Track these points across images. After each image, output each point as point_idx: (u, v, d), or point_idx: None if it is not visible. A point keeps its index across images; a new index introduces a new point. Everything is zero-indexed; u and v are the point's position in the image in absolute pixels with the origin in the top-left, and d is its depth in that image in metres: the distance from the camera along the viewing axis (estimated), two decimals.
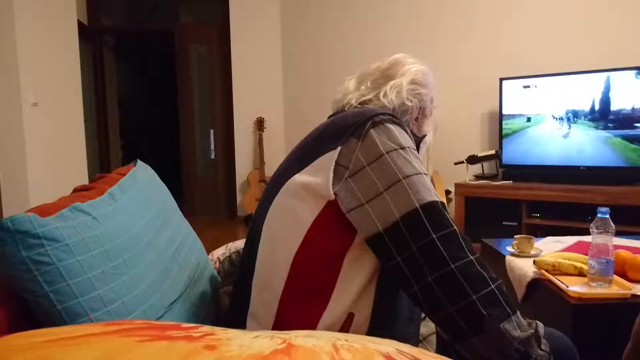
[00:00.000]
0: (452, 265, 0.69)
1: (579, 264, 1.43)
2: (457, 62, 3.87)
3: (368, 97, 0.93)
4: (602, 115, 3.04)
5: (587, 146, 3.09)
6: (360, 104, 0.93)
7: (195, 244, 1.08)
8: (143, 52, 6.86)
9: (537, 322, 0.73)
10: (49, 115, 3.63)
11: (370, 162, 0.74)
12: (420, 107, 0.95)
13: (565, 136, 3.13)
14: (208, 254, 1.18)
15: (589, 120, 3.08)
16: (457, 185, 3.42)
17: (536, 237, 1.81)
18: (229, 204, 5.00)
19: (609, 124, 3.02)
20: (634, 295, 1.26)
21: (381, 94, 0.92)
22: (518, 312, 0.71)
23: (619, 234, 1.53)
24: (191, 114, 5.13)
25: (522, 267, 1.56)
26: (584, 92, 3.09)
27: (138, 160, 1.08)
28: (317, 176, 0.75)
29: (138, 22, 5.69)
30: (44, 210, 0.74)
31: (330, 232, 0.75)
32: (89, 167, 4.30)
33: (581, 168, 3.11)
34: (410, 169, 0.73)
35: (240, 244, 1.17)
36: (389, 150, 0.74)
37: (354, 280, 0.75)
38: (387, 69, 0.96)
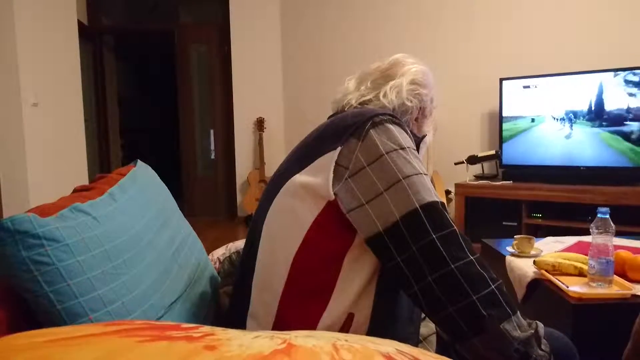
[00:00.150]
0: (452, 266, 0.69)
1: (579, 264, 1.43)
2: (457, 62, 3.87)
3: (368, 97, 0.93)
4: (602, 116, 3.04)
5: (587, 146, 3.09)
6: (360, 104, 0.93)
7: (195, 244, 1.08)
8: (143, 52, 6.86)
9: (537, 322, 0.73)
10: (49, 115, 3.63)
11: (370, 162, 0.74)
12: (420, 107, 0.95)
13: (568, 136, 3.13)
14: (208, 254, 1.18)
15: (589, 120, 3.08)
16: (457, 185, 3.42)
17: (536, 237, 1.81)
18: (229, 204, 5.00)
19: (609, 124, 3.02)
20: (634, 295, 1.26)
21: (381, 94, 0.92)
22: (518, 312, 0.71)
23: (619, 234, 1.53)
24: (191, 114, 5.13)
25: (522, 267, 1.56)
26: (584, 92, 3.09)
27: (138, 160, 1.08)
28: (317, 176, 0.75)
29: (138, 22, 5.69)
30: (44, 210, 0.74)
31: (330, 232, 0.75)
32: (89, 167, 4.30)
33: (581, 168, 3.11)
34: (410, 169, 0.73)
35: (240, 244, 1.17)
36: (389, 151, 0.74)
37: (354, 280, 0.75)
38: (387, 69, 0.96)
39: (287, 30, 4.61)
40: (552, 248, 1.74)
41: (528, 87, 3.30)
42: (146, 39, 6.44)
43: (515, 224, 3.20)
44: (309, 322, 0.75)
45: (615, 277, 1.32)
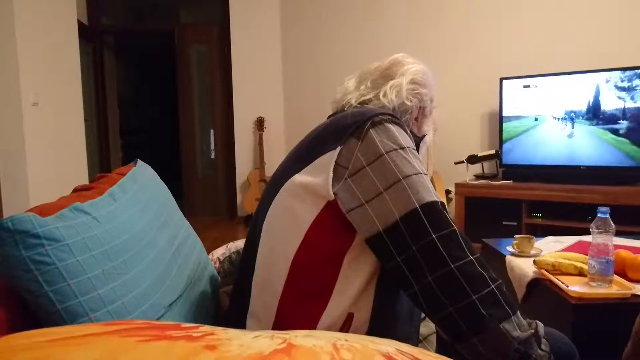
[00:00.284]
0: (452, 266, 0.69)
1: (579, 264, 1.43)
2: (457, 62, 3.87)
3: (368, 97, 0.93)
4: (602, 115, 3.04)
5: (587, 146, 3.09)
6: (360, 103, 0.93)
7: (195, 244, 1.08)
8: (143, 52, 6.86)
9: (537, 322, 0.73)
10: (49, 115, 3.63)
11: (370, 162, 0.74)
12: (420, 107, 0.95)
13: (570, 135, 3.13)
14: (208, 254, 1.18)
15: (588, 120, 3.08)
16: (457, 185, 3.42)
17: (536, 237, 1.81)
18: (229, 204, 5.00)
19: (609, 124, 3.02)
20: (634, 295, 1.26)
21: (381, 94, 0.92)
22: (518, 312, 0.71)
23: (619, 234, 1.53)
24: (191, 114, 5.13)
25: (522, 267, 1.56)
26: (584, 92, 3.09)
27: (138, 160, 1.08)
28: (317, 176, 0.75)
29: (138, 22, 5.70)
30: (44, 210, 0.74)
31: (330, 232, 0.75)
32: (89, 167, 4.30)
33: (581, 168, 3.11)
34: (410, 169, 0.73)
35: (240, 244, 1.17)
36: (389, 150, 0.74)
37: (354, 280, 0.75)
38: (386, 68, 0.95)
39: (287, 30, 4.61)
40: (552, 248, 1.74)
41: (528, 86, 3.30)
42: (146, 39, 6.44)
43: (515, 223, 3.20)
44: (309, 322, 0.75)
45: (615, 277, 1.32)
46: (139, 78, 7.03)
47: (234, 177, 4.87)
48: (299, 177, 0.77)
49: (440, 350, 0.96)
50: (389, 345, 0.50)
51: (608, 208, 1.23)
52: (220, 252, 1.20)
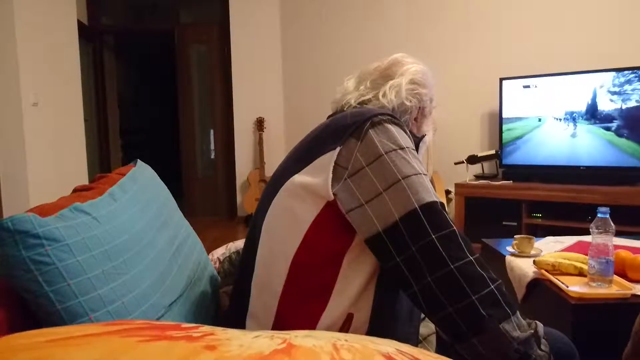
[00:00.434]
0: (452, 266, 0.69)
1: (579, 264, 1.43)
2: (457, 62, 3.87)
3: (367, 97, 0.93)
4: (603, 115, 3.04)
5: (589, 146, 3.09)
6: (359, 104, 0.93)
7: (195, 244, 1.08)
8: (143, 52, 6.86)
9: (537, 322, 0.73)
10: (49, 115, 3.63)
11: (370, 162, 0.74)
12: (419, 107, 0.95)
13: (573, 135, 3.12)
14: (208, 254, 1.18)
15: (589, 120, 3.08)
16: (457, 185, 3.42)
17: (536, 237, 1.81)
18: (229, 204, 5.00)
19: (609, 124, 3.02)
20: (634, 295, 1.26)
21: (380, 94, 0.92)
22: (518, 312, 0.71)
23: (619, 234, 1.53)
24: (191, 114, 5.13)
25: (522, 267, 1.56)
26: (585, 92, 3.09)
27: (138, 160, 1.08)
28: (317, 176, 0.75)
29: (138, 22, 5.70)
30: (44, 210, 0.74)
31: (330, 232, 0.75)
32: (89, 167, 4.30)
33: (581, 168, 3.11)
34: (409, 169, 0.73)
35: (240, 244, 1.17)
36: (388, 151, 0.74)
37: (354, 280, 0.75)
38: (386, 68, 0.95)
39: (287, 29, 4.61)
40: (552, 248, 1.74)
41: (528, 86, 3.30)
42: (146, 39, 6.44)
43: (515, 224, 3.20)
44: (309, 322, 0.75)
45: (615, 277, 1.32)
46: (139, 78, 7.03)
47: (234, 177, 4.87)
48: (299, 178, 0.77)
49: (440, 350, 0.96)
50: (389, 346, 0.50)
51: (608, 208, 1.23)
52: (220, 252, 1.20)
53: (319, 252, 0.75)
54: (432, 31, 3.96)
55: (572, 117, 3.14)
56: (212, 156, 5.14)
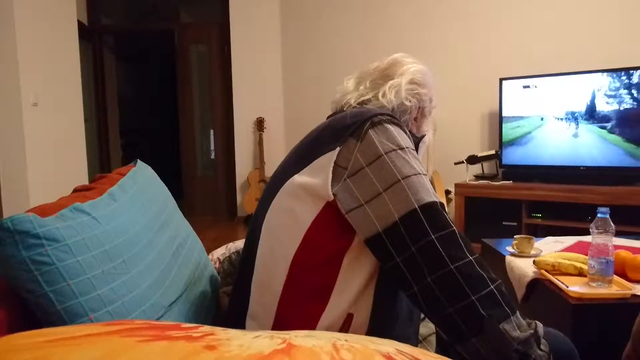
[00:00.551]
0: (452, 266, 0.69)
1: (579, 264, 1.43)
2: (457, 62, 3.87)
3: (367, 97, 0.93)
4: (602, 115, 3.04)
5: (587, 146, 3.09)
6: (359, 104, 0.93)
7: (195, 244, 1.08)
8: (143, 52, 6.86)
9: (537, 322, 0.73)
10: (49, 115, 3.63)
11: (369, 162, 0.74)
12: (419, 107, 0.95)
13: (575, 136, 3.12)
14: (208, 254, 1.18)
15: (588, 120, 3.08)
16: (457, 185, 3.42)
17: (536, 237, 1.81)
18: (229, 204, 5.00)
19: (609, 124, 3.02)
20: (634, 295, 1.26)
21: (380, 94, 0.92)
22: (518, 312, 0.71)
23: (619, 234, 1.53)
24: (191, 114, 5.13)
25: (522, 267, 1.56)
26: (585, 92, 3.09)
27: (138, 160, 1.08)
28: (316, 177, 0.75)
29: (138, 22, 5.70)
30: (44, 210, 0.74)
31: (330, 232, 0.75)
32: (89, 167, 4.30)
33: (581, 168, 3.11)
34: (409, 169, 0.73)
35: (240, 244, 1.17)
36: (388, 151, 0.74)
37: (353, 280, 0.75)
38: (385, 68, 0.95)
39: (287, 30, 4.62)
40: (552, 248, 1.74)
41: (528, 87, 3.30)
42: (146, 39, 6.44)
43: (515, 224, 3.20)
44: (309, 322, 0.75)
45: (615, 277, 1.32)
46: (139, 78, 7.03)
47: (234, 177, 4.87)
48: (299, 178, 0.77)
49: (440, 350, 0.96)
50: (389, 346, 0.50)
51: (608, 208, 1.23)
52: (220, 252, 1.20)
53: (318, 252, 0.75)
54: (432, 31, 3.96)
55: (572, 117, 3.14)
56: (212, 156, 5.14)
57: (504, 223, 3.23)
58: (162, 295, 0.83)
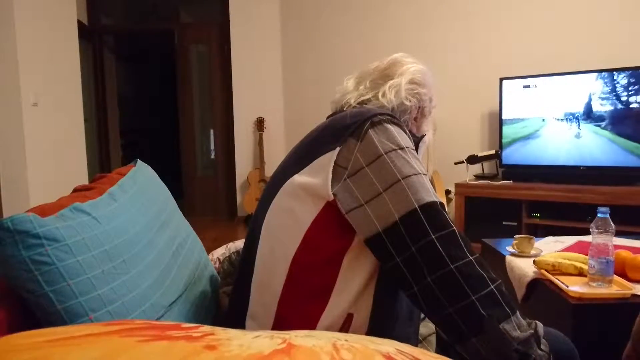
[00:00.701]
0: (452, 266, 0.69)
1: (579, 264, 1.43)
2: (457, 62, 3.87)
3: (367, 97, 0.93)
4: (601, 115, 3.04)
5: (586, 146, 3.09)
6: (359, 103, 0.92)
7: (195, 244, 1.08)
8: (143, 52, 6.86)
9: (537, 322, 0.73)
10: (49, 115, 3.63)
11: (369, 162, 0.74)
12: (419, 107, 0.95)
13: (577, 136, 3.12)
14: (208, 254, 1.18)
15: (588, 119, 3.08)
16: (457, 185, 3.42)
17: (536, 237, 1.81)
18: (229, 204, 5.00)
19: (608, 124, 3.02)
20: (634, 295, 1.26)
21: (380, 94, 0.92)
22: (518, 312, 0.71)
23: (619, 234, 1.53)
24: (191, 114, 5.13)
25: (522, 267, 1.56)
26: (585, 92, 3.09)
27: (138, 160, 1.08)
28: (316, 177, 0.75)
29: (138, 22, 5.69)
30: (44, 210, 0.74)
31: (330, 232, 0.75)
32: (89, 167, 4.30)
33: (581, 168, 3.11)
34: (409, 169, 0.73)
35: (240, 244, 1.17)
36: (388, 151, 0.74)
37: (353, 280, 0.75)
38: (385, 68, 0.95)
39: (287, 30, 4.62)
40: (552, 248, 1.74)
41: (528, 86, 3.30)
42: (146, 39, 6.44)
43: (515, 224, 3.20)
44: (308, 323, 0.75)
45: (615, 277, 1.32)
46: (139, 78, 7.03)
47: (234, 177, 4.87)
48: (299, 178, 0.77)
49: (440, 350, 0.96)
50: (389, 346, 0.50)
51: (608, 208, 1.23)
52: (220, 252, 1.20)
53: (318, 252, 0.75)
54: (432, 31, 3.96)
55: (572, 117, 3.14)
56: (212, 156, 5.14)
57: (504, 223, 3.23)
58: (162, 295, 0.83)
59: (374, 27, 4.20)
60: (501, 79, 3.40)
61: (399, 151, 0.74)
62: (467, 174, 3.54)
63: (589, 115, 3.08)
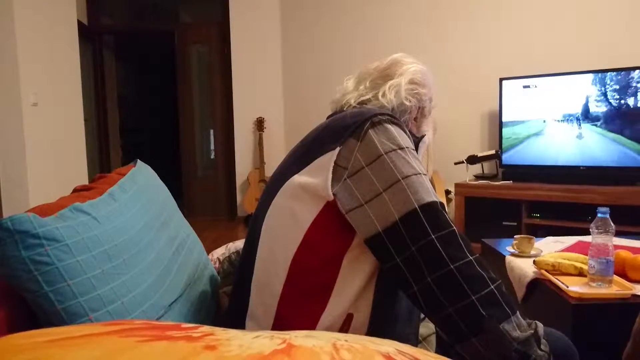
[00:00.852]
0: (452, 266, 0.69)
1: (579, 264, 1.43)
2: (457, 62, 3.87)
3: (367, 97, 0.93)
4: (601, 115, 3.04)
5: (586, 146, 3.09)
6: (359, 104, 0.92)
7: (195, 244, 1.08)
8: (143, 52, 6.86)
9: (537, 322, 0.73)
10: (49, 115, 3.63)
11: (369, 162, 0.74)
12: (419, 107, 0.95)
13: (577, 136, 3.11)
14: (208, 254, 1.18)
15: (588, 119, 3.08)
16: (457, 185, 3.42)
17: (536, 237, 1.81)
18: (229, 204, 5.00)
19: (608, 124, 3.02)
20: (634, 295, 1.26)
21: (380, 94, 0.92)
22: (518, 312, 0.71)
23: (619, 234, 1.53)
24: (191, 113, 5.13)
25: (522, 267, 1.56)
26: (585, 92, 3.09)
27: (138, 160, 1.08)
28: (316, 177, 0.75)
29: (138, 22, 5.70)
30: (44, 210, 0.74)
31: (330, 232, 0.75)
32: (89, 167, 4.30)
33: (581, 168, 3.11)
34: (409, 169, 0.73)
35: (240, 244, 1.17)
36: (388, 151, 0.74)
37: (353, 280, 0.75)
38: (385, 68, 0.95)
39: (287, 30, 4.62)
40: (552, 248, 1.74)
41: (528, 87, 3.30)
42: (146, 39, 6.44)
43: (515, 224, 3.20)
44: (308, 323, 0.75)
45: (615, 277, 1.32)
46: (139, 78, 7.04)
47: (234, 177, 4.87)
48: (299, 178, 0.77)
49: (440, 350, 0.96)
50: (389, 346, 0.50)
51: (608, 208, 1.23)
52: (220, 252, 1.20)
53: (318, 253, 0.75)
54: (432, 31, 3.96)
55: (572, 117, 3.14)
56: (212, 156, 5.14)
57: (504, 223, 3.23)
58: (162, 295, 0.83)
59: (373, 27, 4.20)
60: (501, 79, 3.40)
61: (399, 151, 0.74)
62: (467, 174, 3.54)
63: (588, 115, 3.08)
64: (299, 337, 0.48)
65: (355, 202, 0.73)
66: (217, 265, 1.16)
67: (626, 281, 1.32)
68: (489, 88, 3.69)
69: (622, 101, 2.98)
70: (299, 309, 0.76)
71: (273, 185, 0.82)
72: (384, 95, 0.91)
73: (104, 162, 5.22)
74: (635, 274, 1.38)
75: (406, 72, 0.94)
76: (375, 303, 0.76)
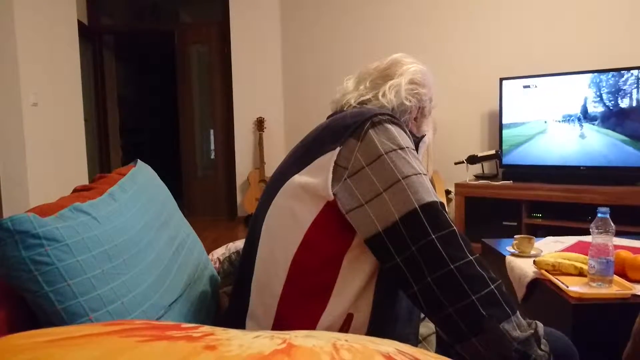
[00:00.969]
0: (452, 266, 0.69)
1: (579, 264, 1.43)
2: (457, 62, 3.87)
3: (367, 97, 0.93)
4: (601, 115, 3.04)
5: (587, 146, 3.09)
6: (359, 104, 0.93)
7: (195, 244, 1.08)
8: (143, 52, 6.86)
9: (537, 322, 0.73)
10: (49, 115, 3.63)
11: (370, 162, 0.74)
12: (419, 107, 0.95)
13: (580, 136, 3.11)
14: (208, 254, 1.18)
15: (589, 119, 3.08)
16: (457, 185, 3.42)
17: (536, 237, 1.81)
18: (229, 204, 5.00)
19: (608, 124, 3.02)
20: (634, 295, 1.26)
21: (380, 94, 0.92)
22: (518, 312, 0.71)
23: (619, 234, 1.53)
24: (191, 113, 5.13)
25: (522, 267, 1.56)
26: (585, 92, 3.09)
27: (138, 160, 1.08)
28: (316, 177, 0.75)
29: (138, 22, 5.70)
30: (44, 210, 0.74)
31: (330, 232, 0.75)
32: (89, 167, 4.30)
33: (581, 168, 3.11)
34: (409, 169, 0.73)
35: (240, 244, 1.17)
36: (388, 151, 0.74)
37: (353, 280, 0.75)
38: (385, 68, 0.95)
39: (287, 30, 4.62)
40: (552, 248, 1.74)
41: (528, 86, 3.30)
42: (146, 39, 6.44)
43: (515, 224, 3.20)
44: (308, 323, 0.75)
45: (615, 277, 1.32)
46: (139, 78, 7.04)
47: (234, 177, 4.87)
48: (299, 178, 0.77)
49: (440, 350, 0.96)
50: (389, 346, 0.50)
51: (608, 208, 1.23)
52: (220, 252, 1.20)
53: (318, 253, 0.75)
54: (432, 31, 3.96)
55: (572, 117, 3.14)
56: (212, 156, 5.14)
57: (504, 223, 3.23)
58: (162, 295, 0.83)
59: (373, 27, 4.20)
60: (501, 79, 3.40)
61: (399, 151, 0.74)
62: (467, 174, 3.54)
63: (589, 115, 3.08)
64: (299, 337, 0.48)
65: (356, 202, 0.73)
66: (217, 265, 1.16)
67: (626, 281, 1.32)
68: (489, 88, 3.69)
69: (622, 101, 2.98)
70: (299, 309, 0.76)
71: (273, 185, 0.82)
72: (384, 95, 0.91)
73: (104, 162, 5.22)
74: (635, 274, 1.38)
75: (406, 72, 0.94)
76: (376, 303, 0.76)
